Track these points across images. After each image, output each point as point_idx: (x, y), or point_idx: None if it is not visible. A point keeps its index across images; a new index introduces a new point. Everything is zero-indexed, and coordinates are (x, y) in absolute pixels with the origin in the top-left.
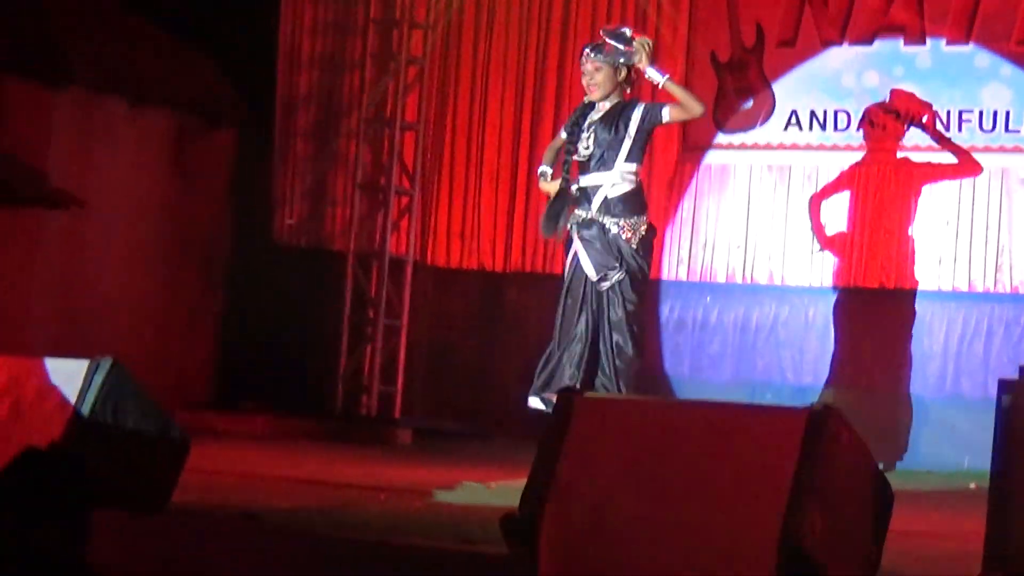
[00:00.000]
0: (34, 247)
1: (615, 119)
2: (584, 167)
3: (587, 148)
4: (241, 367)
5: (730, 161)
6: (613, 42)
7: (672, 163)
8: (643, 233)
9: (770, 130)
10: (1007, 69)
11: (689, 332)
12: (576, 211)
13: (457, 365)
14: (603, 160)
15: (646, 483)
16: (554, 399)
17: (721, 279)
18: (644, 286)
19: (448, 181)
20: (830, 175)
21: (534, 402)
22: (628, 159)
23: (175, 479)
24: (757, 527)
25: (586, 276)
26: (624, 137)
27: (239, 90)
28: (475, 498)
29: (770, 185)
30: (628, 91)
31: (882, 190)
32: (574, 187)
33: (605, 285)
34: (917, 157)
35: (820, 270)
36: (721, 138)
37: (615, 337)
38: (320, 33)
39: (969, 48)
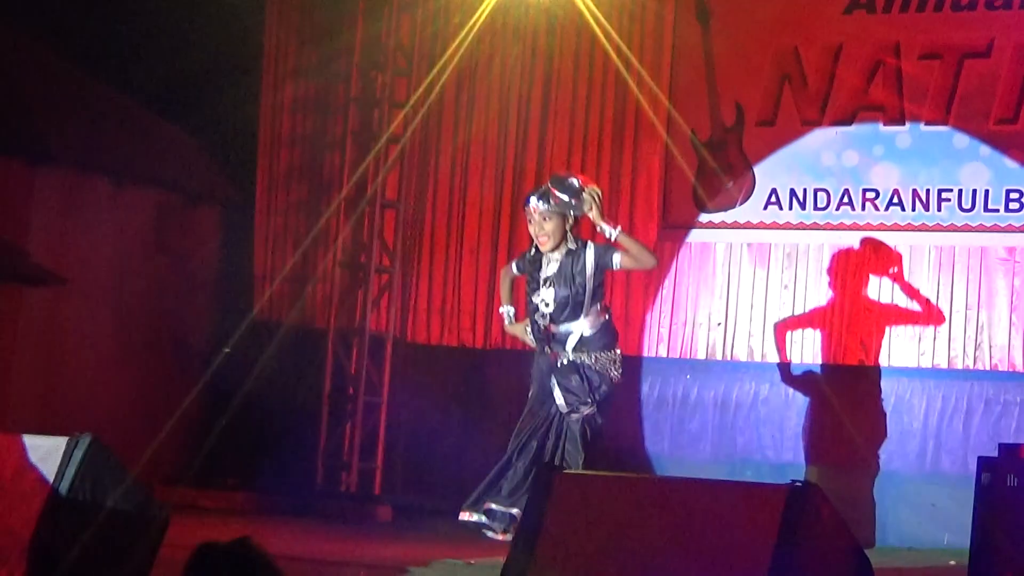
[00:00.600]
0: (14, 324)
1: (570, 273)
2: (552, 318)
3: (547, 305)
4: (222, 443)
5: (710, 239)
6: (560, 193)
7: (652, 241)
8: (615, 363)
9: (750, 209)
10: (985, 149)
11: (669, 409)
12: (550, 352)
13: (437, 442)
14: (571, 312)
15: (625, 559)
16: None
17: (701, 356)
18: (609, 407)
19: (428, 258)
20: (809, 254)
21: (466, 516)
22: (592, 301)
23: (154, 556)
24: None
25: (554, 405)
26: (584, 289)
27: (222, 169)
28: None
29: (750, 263)
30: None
31: (861, 267)
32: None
33: (575, 417)
34: (897, 236)
35: (800, 347)
36: (701, 217)
37: (567, 447)
38: (301, 112)
39: (948, 128)
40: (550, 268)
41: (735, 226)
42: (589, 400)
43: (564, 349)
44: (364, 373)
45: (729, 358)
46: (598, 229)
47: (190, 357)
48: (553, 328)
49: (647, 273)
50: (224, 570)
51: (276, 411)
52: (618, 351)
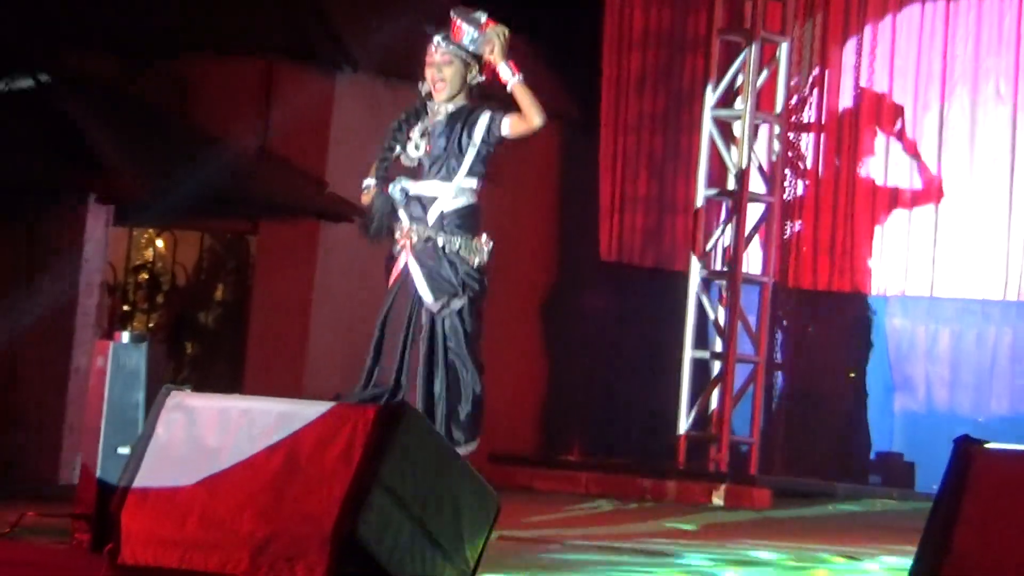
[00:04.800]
0: (310, 267)
1: (459, 126)
2: (416, 173)
3: (418, 151)
4: (565, 410)
5: None
6: (463, 23)
7: None
8: (484, 252)
9: None
10: None
11: None
12: (409, 223)
13: (827, 409)
14: (442, 169)
15: None
16: None
17: None
18: (484, 309)
19: (815, 186)
20: None
21: None
22: (469, 173)
23: (482, 545)
24: None
25: (417, 298)
26: (468, 147)
27: (559, 78)
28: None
29: None
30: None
31: None
32: (399, 192)
33: (444, 313)
34: None
35: None
36: None
37: (461, 372)
38: (655, 4)
39: None
40: (435, 118)
41: None
42: (458, 289)
43: (425, 221)
44: (736, 325)
45: None
46: (498, 70)
47: (530, 306)
48: (416, 187)
49: None
50: None
51: (627, 372)
52: (485, 238)
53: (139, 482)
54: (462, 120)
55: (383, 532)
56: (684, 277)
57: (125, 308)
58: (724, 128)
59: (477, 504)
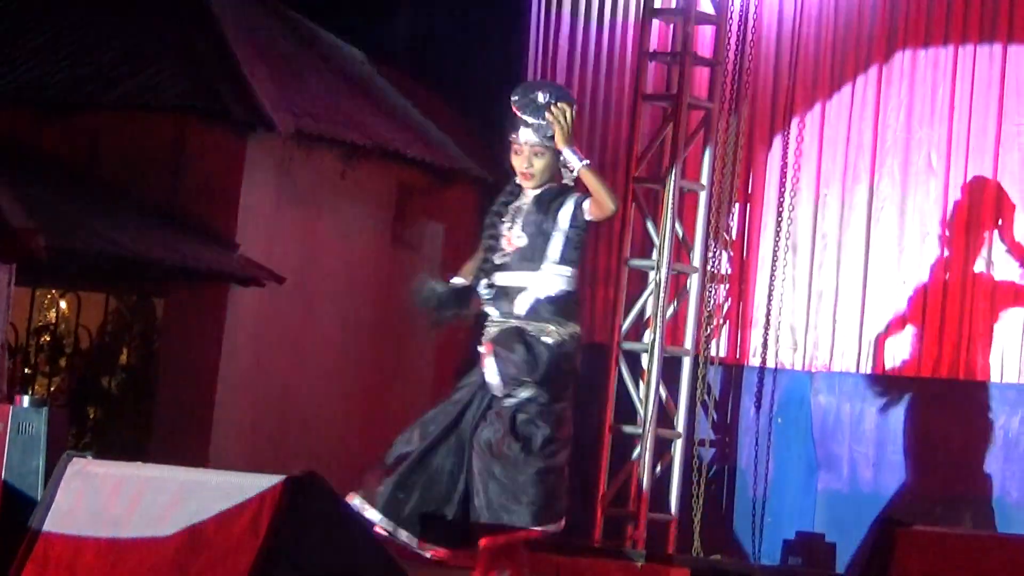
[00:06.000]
0: (217, 336)
1: (545, 207)
2: (505, 264)
3: (511, 245)
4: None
5: None
6: (523, 114)
7: None
8: (569, 340)
9: None
10: None
11: None
12: (492, 314)
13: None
14: (529, 256)
15: None
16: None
17: None
18: (561, 413)
19: (740, 257)
20: None
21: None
22: (560, 260)
23: None
24: None
25: (482, 393)
26: (553, 231)
27: (479, 140)
28: None
29: None
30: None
31: None
32: (485, 290)
33: (510, 402)
34: None
35: None
36: None
37: (512, 474)
38: (575, 68)
39: None
40: (523, 202)
41: None
42: (530, 379)
43: (512, 310)
44: (656, 400)
45: None
46: (562, 157)
47: (439, 374)
48: (503, 280)
49: None
50: None
51: None
52: (577, 328)
53: (37, 552)
54: (548, 202)
55: None
56: (606, 350)
57: (26, 371)
58: (648, 196)
59: None
